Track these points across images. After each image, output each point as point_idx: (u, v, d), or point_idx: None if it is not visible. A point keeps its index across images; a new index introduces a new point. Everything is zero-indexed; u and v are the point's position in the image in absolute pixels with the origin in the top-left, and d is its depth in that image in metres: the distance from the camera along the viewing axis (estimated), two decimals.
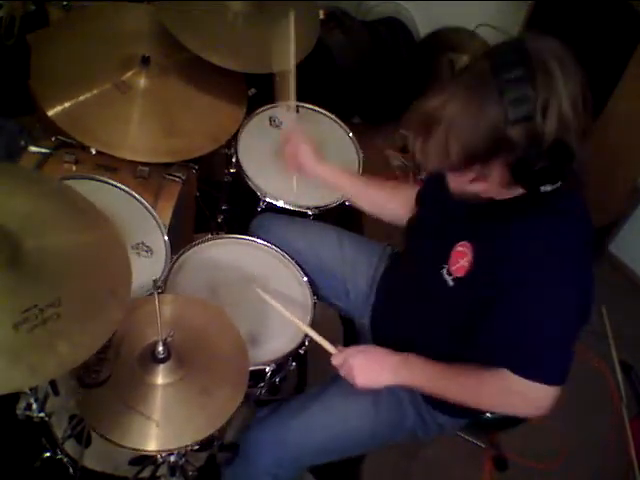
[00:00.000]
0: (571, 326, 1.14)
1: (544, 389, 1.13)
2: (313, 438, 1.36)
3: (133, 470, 1.56)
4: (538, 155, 0.99)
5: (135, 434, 1.15)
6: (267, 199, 1.72)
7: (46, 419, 1.38)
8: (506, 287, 1.13)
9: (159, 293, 1.19)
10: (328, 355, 1.33)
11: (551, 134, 0.98)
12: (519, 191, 1.09)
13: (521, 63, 0.98)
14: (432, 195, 1.38)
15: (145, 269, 1.48)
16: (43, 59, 1.66)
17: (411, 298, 1.40)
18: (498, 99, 0.98)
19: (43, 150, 1.66)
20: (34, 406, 1.34)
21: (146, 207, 1.60)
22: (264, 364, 1.43)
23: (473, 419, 1.48)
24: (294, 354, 1.49)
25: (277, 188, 1.74)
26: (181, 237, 1.71)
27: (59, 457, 1.56)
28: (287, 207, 1.71)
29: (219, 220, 2.06)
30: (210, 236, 1.66)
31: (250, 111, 1.87)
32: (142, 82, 1.67)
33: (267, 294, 1.41)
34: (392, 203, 1.55)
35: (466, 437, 1.86)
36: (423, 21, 2.84)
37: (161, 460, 1.41)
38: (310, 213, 1.73)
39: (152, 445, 1.15)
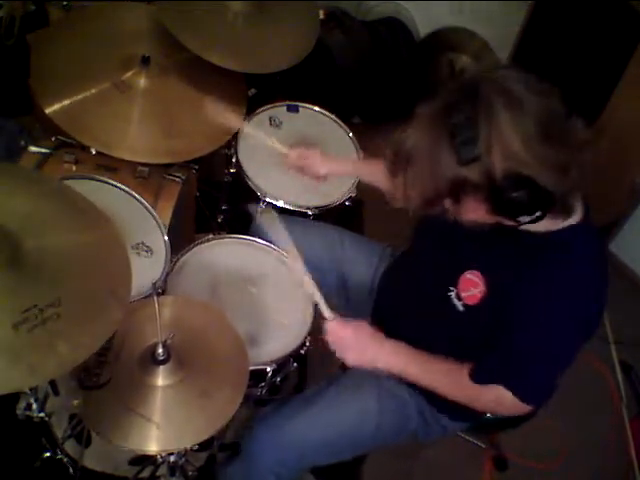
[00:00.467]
0: (571, 357, 1.18)
1: (522, 406, 1.18)
2: (316, 437, 1.36)
3: (133, 470, 1.56)
4: (500, 190, 1.00)
5: (135, 436, 1.15)
6: (267, 199, 1.72)
7: (46, 419, 1.38)
8: (516, 314, 1.15)
9: (159, 295, 1.19)
10: (328, 355, 1.33)
11: (501, 169, 0.99)
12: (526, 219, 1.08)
13: (468, 104, 1.00)
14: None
15: (145, 269, 1.48)
16: (43, 59, 1.66)
17: (412, 302, 1.40)
18: (449, 142, 1.00)
19: (43, 150, 1.66)
20: (34, 406, 1.34)
21: (146, 207, 1.60)
22: (265, 364, 1.43)
23: (476, 422, 1.48)
24: (295, 354, 1.49)
25: (277, 188, 1.74)
26: (181, 237, 1.71)
27: (59, 457, 1.56)
28: (287, 207, 1.71)
29: (219, 220, 2.06)
30: (210, 236, 1.66)
31: (250, 111, 1.87)
32: (142, 82, 1.67)
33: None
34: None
35: (466, 437, 1.85)
36: (423, 21, 2.84)
37: (161, 460, 1.41)
38: (310, 213, 1.73)
39: (152, 447, 1.15)
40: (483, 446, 1.95)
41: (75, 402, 1.19)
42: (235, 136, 1.80)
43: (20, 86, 1.80)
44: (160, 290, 1.43)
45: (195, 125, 1.72)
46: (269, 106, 1.94)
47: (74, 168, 1.65)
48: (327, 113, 2.00)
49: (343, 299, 1.61)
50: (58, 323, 0.97)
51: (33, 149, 1.66)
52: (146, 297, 1.39)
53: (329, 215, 1.76)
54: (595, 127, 2.22)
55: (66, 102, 1.59)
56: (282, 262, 1.62)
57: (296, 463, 1.39)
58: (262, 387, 1.50)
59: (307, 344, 1.50)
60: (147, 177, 1.69)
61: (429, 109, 1.06)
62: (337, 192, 1.76)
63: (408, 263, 1.51)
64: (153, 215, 1.59)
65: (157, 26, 1.72)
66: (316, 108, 1.99)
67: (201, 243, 1.62)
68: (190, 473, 1.54)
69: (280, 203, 1.71)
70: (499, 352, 1.18)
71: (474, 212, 1.08)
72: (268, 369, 1.43)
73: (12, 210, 1.07)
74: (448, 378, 1.24)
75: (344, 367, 1.42)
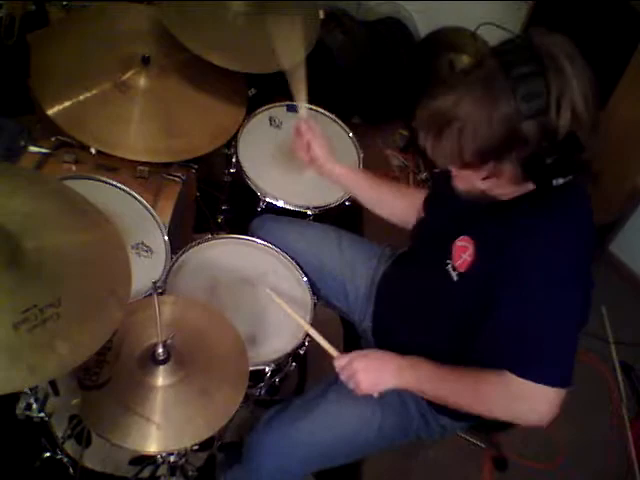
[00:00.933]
0: (573, 328, 1.12)
1: (545, 391, 1.10)
2: (319, 443, 1.34)
3: (133, 470, 1.56)
4: (551, 149, 0.99)
5: (135, 436, 1.15)
6: (267, 199, 1.72)
7: (46, 419, 1.38)
8: (508, 284, 1.12)
9: (159, 294, 1.19)
10: (328, 355, 1.33)
11: (565, 128, 0.98)
12: (527, 188, 1.09)
13: (531, 59, 0.98)
14: (437, 197, 1.38)
15: (145, 269, 1.48)
16: (43, 59, 1.66)
17: (413, 298, 1.39)
18: (510, 95, 0.98)
19: (43, 150, 1.66)
20: (34, 406, 1.34)
21: (146, 207, 1.60)
22: (264, 364, 1.43)
23: (476, 421, 1.47)
24: (294, 354, 1.49)
25: (277, 188, 1.74)
26: (181, 237, 1.71)
27: (59, 457, 1.57)
28: (287, 207, 1.71)
29: (219, 220, 2.06)
30: (210, 236, 1.66)
31: (250, 111, 1.87)
32: (142, 82, 1.67)
33: (274, 293, 1.40)
34: (395, 204, 1.55)
35: (466, 437, 1.85)
36: (423, 21, 2.84)
37: (161, 460, 1.41)
38: (310, 213, 1.73)
39: (152, 447, 1.15)
40: (483, 446, 1.95)
41: (75, 402, 1.19)
42: (235, 136, 1.80)
43: (20, 86, 1.80)
44: (160, 290, 1.43)
45: (195, 125, 1.72)
46: (269, 106, 1.94)
47: (74, 168, 1.65)
48: (327, 113, 2.00)
49: (343, 300, 1.61)
50: (58, 323, 0.97)
51: (33, 149, 1.66)
52: (146, 297, 1.39)
53: (329, 215, 1.76)
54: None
55: (67, 103, 1.59)
56: (281, 262, 1.63)
57: (299, 469, 1.38)
58: (261, 387, 1.50)
59: (306, 344, 1.50)
60: (147, 177, 1.69)
61: (475, 72, 1.03)
62: (337, 192, 1.76)
63: (407, 260, 1.51)
64: (153, 215, 1.59)
65: (157, 26, 1.72)
66: (316, 108, 2.00)
67: (200, 243, 1.62)
68: (190, 473, 1.55)
69: (280, 203, 1.71)
70: (496, 332, 1.15)
71: (500, 180, 1.07)
72: (267, 369, 1.43)
73: (12, 210, 1.07)
74: (466, 388, 1.19)
75: None
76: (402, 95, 2.71)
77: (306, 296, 1.57)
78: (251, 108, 1.88)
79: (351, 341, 1.73)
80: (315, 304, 1.57)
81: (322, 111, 1.99)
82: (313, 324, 1.50)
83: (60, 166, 1.64)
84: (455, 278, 1.23)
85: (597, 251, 2.47)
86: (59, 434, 1.57)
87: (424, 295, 1.35)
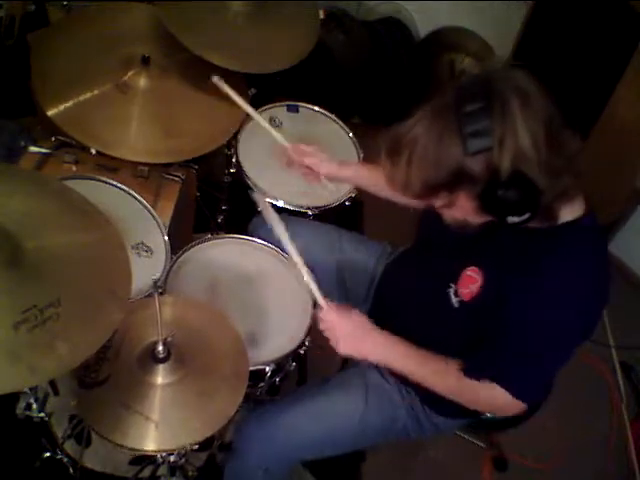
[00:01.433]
0: (567, 354, 1.16)
1: (516, 404, 1.16)
2: (301, 433, 1.36)
3: (133, 470, 1.56)
4: (498, 186, 1.01)
5: (134, 434, 1.15)
6: (267, 199, 1.71)
7: (46, 419, 1.38)
8: (510, 308, 1.14)
9: (159, 293, 1.19)
10: (328, 354, 1.33)
11: (506, 166, 0.99)
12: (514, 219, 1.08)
13: (482, 97, 1.00)
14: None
15: (145, 269, 1.48)
16: (43, 59, 1.66)
17: (410, 308, 1.39)
18: (457, 132, 0.99)
19: (43, 150, 1.67)
20: (34, 406, 1.34)
21: (146, 207, 1.60)
22: (264, 364, 1.43)
23: (471, 419, 1.48)
24: (294, 354, 1.49)
25: (277, 188, 1.74)
26: (181, 237, 1.71)
27: (59, 457, 1.56)
28: (287, 207, 1.71)
29: (219, 220, 2.06)
30: (210, 236, 1.66)
31: None
32: (142, 82, 1.67)
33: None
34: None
35: (466, 437, 1.85)
36: (423, 21, 2.84)
37: (161, 460, 1.41)
38: (310, 213, 1.73)
39: (151, 445, 1.16)
40: (483, 446, 1.95)
41: (75, 402, 1.19)
42: (235, 136, 1.80)
43: (20, 86, 1.80)
44: (160, 290, 1.43)
45: (195, 125, 1.72)
46: (269, 106, 1.94)
47: (74, 168, 1.65)
48: (327, 113, 2.00)
49: (342, 298, 1.61)
50: (58, 323, 0.97)
51: (33, 149, 1.67)
52: (146, 296, 1.39)
53: (329, 215, 1.76)
54: (595, 128, 2.23)
55: (67, 103, 1.59)
56: (281, 261, 1.63)
57: (283, 458, 1.39)
58: (261, 387, 1.50)
59: (306, 344, 1.50)
60: (147, 177, 1.69)
61: (436, 101, 1.05)
62: (337, 192, 1.76)
63: (409, 261, 1.51)
64: (153, 215, 1.59)
65: (157, 26, 1.72)
66: (316, 108, 2.00)
67: (200, 243, 1.62)
68: (190, 473, 1.54)
69: (280, 203, 1.71)
70: (491, 348, 1.17)
71: (461, 209, 1.09)
72: (267, 369, 1.43)
73: (12, 210, 1.07)
74: (440, 374, 1.23)
75: (342, 368, 1.42)
76: (402, 95, 2.71)
77: (306, 294, 1.57)
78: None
79: None
80: (315, 303, 1.56)
81: (322, 111, 1.99)
82: (312, 323, 1.50)
83: (60, 166, 1.65)
84: (456, 305, 1.24)
85: None
86: (59, 434, 1.57)
87: (422, 310, 1.35)
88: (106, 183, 1.61)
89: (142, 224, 1.57)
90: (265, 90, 1.92)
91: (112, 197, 1.59)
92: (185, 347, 1.26)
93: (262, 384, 1.49)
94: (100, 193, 1.57)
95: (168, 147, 1.66)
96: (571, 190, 1.08)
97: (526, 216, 1.04)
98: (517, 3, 2.45)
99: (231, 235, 1.66)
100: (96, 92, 1.63)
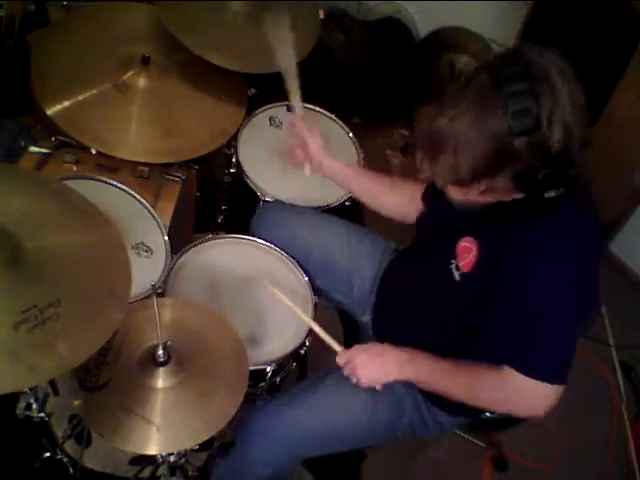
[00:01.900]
0: (571, 326, 1.14)
1: (543, 388, 1.13)
2: (306, 428, 1.36)
3: (133, 470, 1.56)
4: (544, 164, 1.01)
5: (135, 437, 1.15)
6: (267, 199, 1.72)
7: (46, 419, 1.38)
8: (508, 284, 1.14)
9: (158, 295, 1.19)
10: (328, 353, 1.33)
11: (559, 143, 0.99)
12: (519, 194, 1.10)
13: (522, 76, 0.99)
14: (437, 194, 1.39)
15: (145, 269, 1.48)
16: (43, 59, 1.66)
17: (413, 293, 1.40)
18: (502, 112, 0.99)
19: (43, 150, 1.66)
20: (34, 406, 1.34)
21: (146, 207, 1.60)
22: (265, 364, 1.43)
23: (472, 418, 1.48)
24: (295, 354, 1.49)
25: (277, 188, 1.74)
26: (181, 237, 1.71)
27: (59, 457, 1.57)
28: None
29: (219, 220, 2.06)
30: (210, 236, 1.66)
31: (250, 111, 1.87)
32: (142, 82, 1.67)
33: (276, 288, 1.42)
34: (391, 197, 1.57)
35: (466, 437, 1.86)
36: (423, 21, 2.84)
37: (161, 460, 1.41)
38: None
39: (152, 448, 1.15)
40: (483, 446, 1.95)
41: (75, 402, 1.19)
42: (235, 136, 1.80)
43: (20, 86, 1.80)
44: (160, 290, 1.43)
45: (195, 125, 1.72)
46: (269, 106, 1.94)
47: (74, 168, 1.65)
48: (327, 113, 2.00)
49: (347, 292, 1.61)
50: (58, 323, 0.97)
51: (33, 149, 1.66)
52: (146, 298, 1.39)
53: (329, 215, 1.76)
54: (595, 128, 2.23)
55: (67, 103, 1.59)
56: (282, 261, 1.63)
57: (285, 452, 1.38)
58: (262, 387, 1.50)
59: (307, 344, 1.50)
60: (147, 177, 1.69)
61: (468, 89, 1.04)
62: (337, 192, 1.76)
63: (411, 254, 1.52)
64: (153, 215, 1.59)
65: (157, 26, 1.72)
66: (316, 108, 2.00)
67: (200, 243, 1.62)
68: (190, 473, 1.55)
69: None
70: (497, 330, 1.17)
71: (493, 193, 1.09)
72: (268, 369, 1.43)
73: (12, 210, 1.07)
74: (464, 380, 1.22)
75: None
76: (402, 95, 2.71)
77: (307, 295, 1.57)
78: (251, 108, 1.88)
79: (351, 340, 1.72)
80: (316, 304, 1.57)
81: (322, 111, 1.99)
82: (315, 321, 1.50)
83: (60, 166, 1.65)
84: (457, 278, 1.24)
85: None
86: (59, 434, 1.57)
87: (425, 290, 1.36)
88: (106, 183, 1.61)
89: (142, 224, 1.57)
90: (265, 90, 1.92)
91: (112, 197, 1.59)
92: (185, 349, 1.26)
93: (263, 384, 1.49)
94: (100, 193, 1.57)
95: (168, 147, 1.66)
96: None
97: (561, 191, 1.04)
98: (517, 3, 2.46)
99: (231, 235, 1.66)
100: (96, 92, 1.63)
